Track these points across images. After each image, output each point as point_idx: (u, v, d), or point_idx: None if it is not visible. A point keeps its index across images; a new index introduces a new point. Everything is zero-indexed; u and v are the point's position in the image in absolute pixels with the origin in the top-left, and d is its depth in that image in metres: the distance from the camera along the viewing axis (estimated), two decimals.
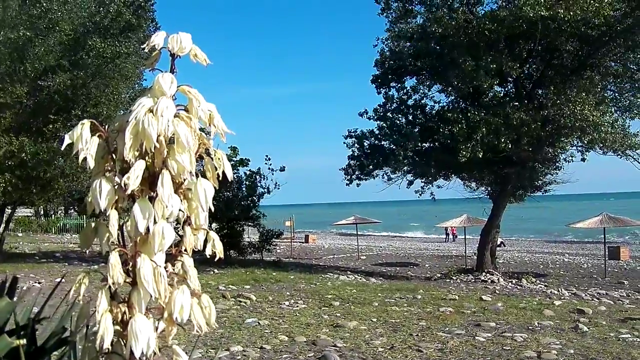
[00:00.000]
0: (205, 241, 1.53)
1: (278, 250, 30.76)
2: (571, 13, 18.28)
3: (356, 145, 23.34)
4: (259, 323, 9.92)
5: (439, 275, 22.37)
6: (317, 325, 9.93)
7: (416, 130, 22.05)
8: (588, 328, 9.78)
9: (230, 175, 1.51)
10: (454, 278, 20.88)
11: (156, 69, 1.46)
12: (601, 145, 20.39)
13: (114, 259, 1.36)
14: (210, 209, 1.46)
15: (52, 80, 20.53)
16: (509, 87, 22.04)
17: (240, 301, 12.35)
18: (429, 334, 9.25)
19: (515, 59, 19.99)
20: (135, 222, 1.34)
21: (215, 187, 1.47)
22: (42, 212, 44.86)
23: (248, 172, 25.01)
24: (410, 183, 23.75)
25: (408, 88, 23.17)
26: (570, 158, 22.68)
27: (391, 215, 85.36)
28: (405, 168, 22.66)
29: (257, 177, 24.94)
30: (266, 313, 11.07)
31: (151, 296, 1.37)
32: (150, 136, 1.32)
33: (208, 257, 1.53)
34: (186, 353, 1.54)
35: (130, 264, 1.38)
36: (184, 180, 1.42)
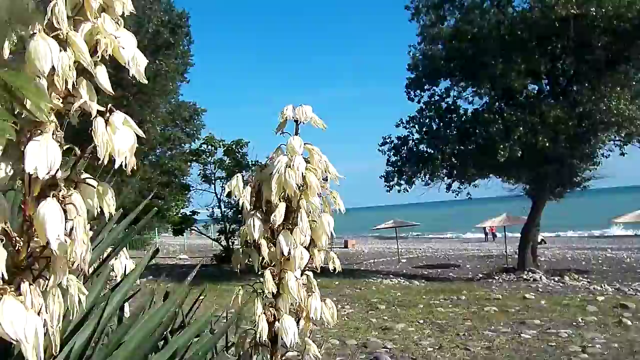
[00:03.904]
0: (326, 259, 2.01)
1: None
2: (603, 10, 18.37)
3: (392, 152, 23.61)
4: None
5: (481, 275, 22.57)
6: (366, 329, 10.33)
7: (453, 133, 22.26)
8: (632, 322, 9.99)
9: (342, 209, 1.96)
10: (496, 278, 21.09)
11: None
12: (639, 138, 20.43)
13: (268, 275, 1.84)
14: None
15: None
16: (544, 84, 22.11)
17: None
18: (475, 333, 9.58)
19: (547, 56, 20.08)
20: (281, 248, 1.82)
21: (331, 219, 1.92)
22: None
23: None
24: (449, 187, 23.96)
25: (442, 89, 23.47)
26: (609, 153, 22.64)
27: (429, 216, 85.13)
28: (444, 171, 22.84)
29: None
30: None
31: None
32: (291, 185, 1.78)
33: (331, 271, 1.97)
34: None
35: (277, 278, 1.84)
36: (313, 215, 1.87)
